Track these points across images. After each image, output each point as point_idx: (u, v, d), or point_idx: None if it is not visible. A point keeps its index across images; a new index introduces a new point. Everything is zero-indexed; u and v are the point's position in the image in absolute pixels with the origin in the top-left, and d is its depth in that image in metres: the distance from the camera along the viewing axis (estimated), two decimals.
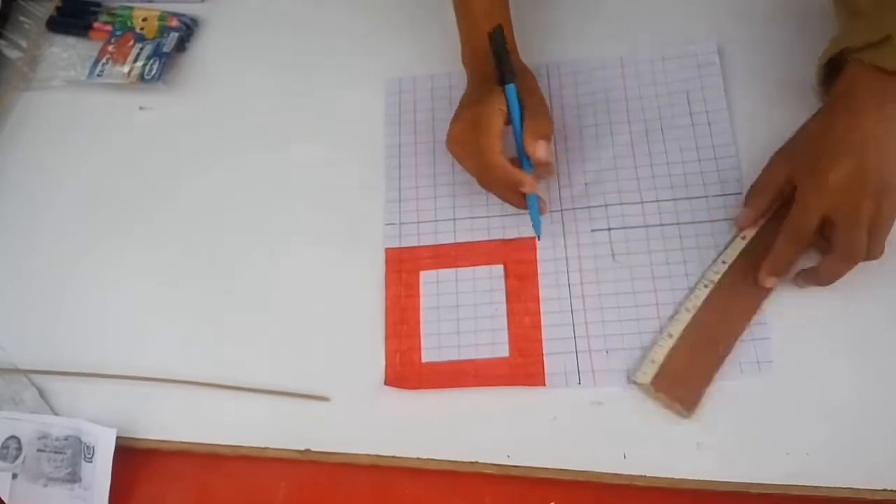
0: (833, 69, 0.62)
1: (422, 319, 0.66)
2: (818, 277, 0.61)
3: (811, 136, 0.61)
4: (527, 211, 0.66)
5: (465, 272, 0.68)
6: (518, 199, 0.66)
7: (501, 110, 0.64)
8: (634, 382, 0.61)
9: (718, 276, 0.63)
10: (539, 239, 0.67)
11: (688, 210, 0.67)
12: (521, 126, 0.64)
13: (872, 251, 0.58)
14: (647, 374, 0.60)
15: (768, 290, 0.62)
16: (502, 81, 0.64)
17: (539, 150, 0.63)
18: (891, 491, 0.55)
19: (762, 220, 0.64)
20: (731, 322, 0.62)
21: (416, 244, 0.69)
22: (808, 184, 0.58)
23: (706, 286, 0.63)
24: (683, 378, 0.60)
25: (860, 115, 0.58)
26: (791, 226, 0.60)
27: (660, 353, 0.61)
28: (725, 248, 0.64)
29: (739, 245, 0.64)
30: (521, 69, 0.68)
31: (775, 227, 0.62)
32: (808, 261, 0.62)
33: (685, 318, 0.62)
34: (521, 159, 0.65)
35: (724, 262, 0.64)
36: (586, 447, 0.60)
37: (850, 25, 0.61)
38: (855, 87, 0.59)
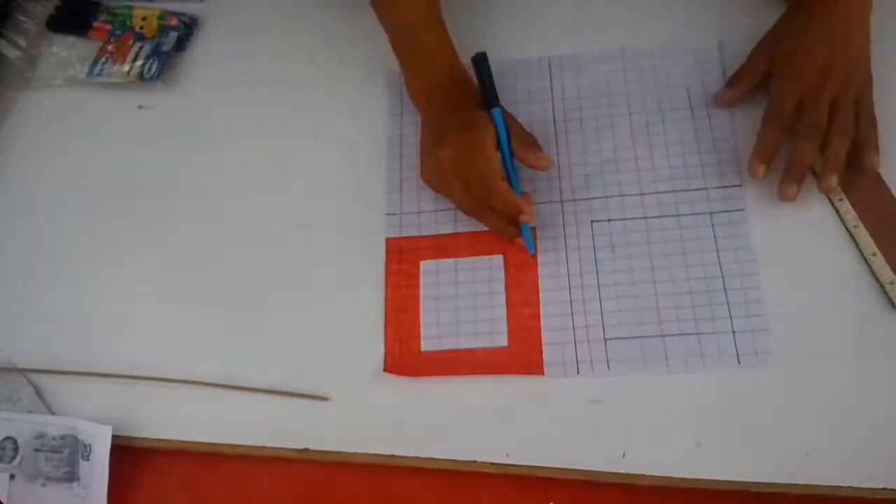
0: None
1: (421, 309, 0.66)
2: (794, 165, 0.64)
3: (789, 30, 0.68)
4: (515, 238, 0.66)
5: (465, 262, 0.68)
6: (507, 225, 0.66)
7: (492, 135, 0.64)
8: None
9: None
10: (533, 256, 0.66)
11: (687, 202, 0.66)
12: (510, 149, 0.65)
13: (839, 126, 0.63)
14: None
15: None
16: (489, 106, 0.66)
17: (535, 159, 0.65)
18: (890, 490, 0.55)
19: (740, 101, 0.69)
20: None
21: (416, 234, 0.69)
22: (784, 72, 0.66)
23: None
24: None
25: (832, 9, 0.66)
26: (772, 112, 0.65)
27: None
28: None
29: None
30: None
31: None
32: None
33: None
34: (513, 184, 0.65)
35: None
36: (585, 446, 0.59)
37: None
38: None
